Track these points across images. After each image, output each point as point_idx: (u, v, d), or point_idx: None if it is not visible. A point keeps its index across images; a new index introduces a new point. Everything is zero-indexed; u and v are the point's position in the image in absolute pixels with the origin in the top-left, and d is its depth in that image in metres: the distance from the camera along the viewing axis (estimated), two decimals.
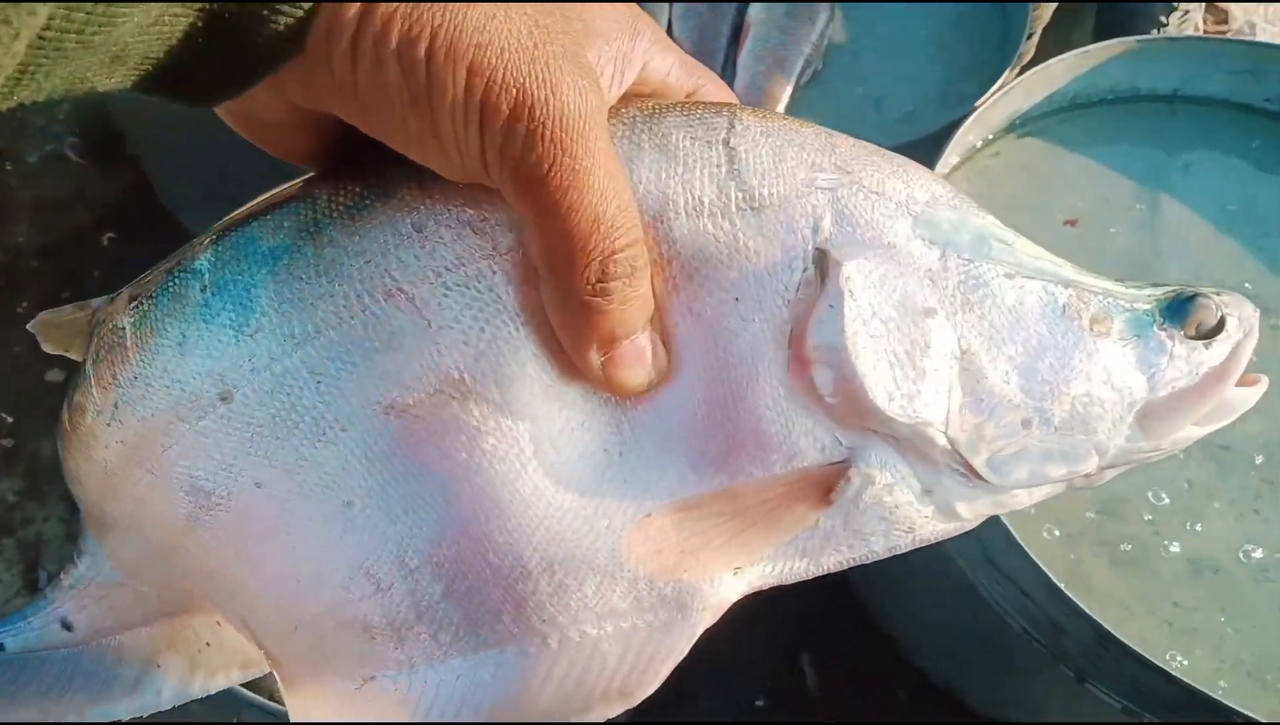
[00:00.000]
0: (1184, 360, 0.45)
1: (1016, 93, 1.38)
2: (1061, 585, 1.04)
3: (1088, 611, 1.02)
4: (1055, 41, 2.01)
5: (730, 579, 0.42)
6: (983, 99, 1.35)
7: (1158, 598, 1.12)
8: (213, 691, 0.48)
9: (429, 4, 0.33)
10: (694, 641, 0.42)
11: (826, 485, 0.42)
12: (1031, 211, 1.36)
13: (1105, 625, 1.01)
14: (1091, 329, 0.44)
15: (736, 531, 0.41)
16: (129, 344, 0.42)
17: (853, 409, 0.41)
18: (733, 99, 0.46)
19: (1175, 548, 1.14)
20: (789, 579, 0.43)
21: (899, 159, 0.45)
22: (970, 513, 0.44)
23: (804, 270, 0.41)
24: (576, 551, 0.41)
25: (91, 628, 0.47)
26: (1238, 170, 1.42)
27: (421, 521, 0.41)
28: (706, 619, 0.43)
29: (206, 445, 0.41)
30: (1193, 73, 1.46)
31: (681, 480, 0.41)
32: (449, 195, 0.40)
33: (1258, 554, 1.13)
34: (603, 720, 0.41)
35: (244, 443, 0.41)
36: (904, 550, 0.44)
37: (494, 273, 0.40)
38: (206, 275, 0.41)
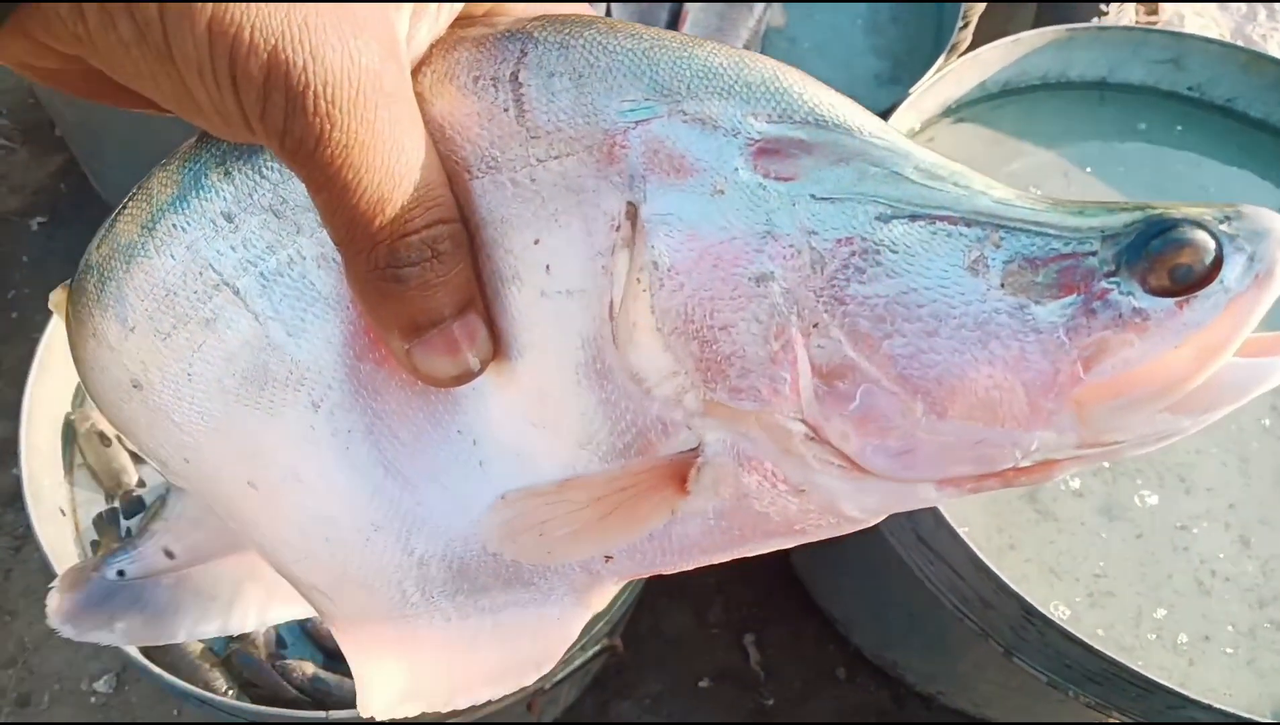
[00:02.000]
0: (1145, 326, 0.32)
1: (949, 80, 1.41)
2: (989, 562, 1.07)
3: (1013, 587, 1.05)
4: (992, 32, 2.05)
5: (603, 566, 0.39)
6: (916, 85, 1.37)
7: (1082, 570, 1.16)
8: (288, 619, 0.54)
9: None
10: (581, 623, 0.40)
11: (679, 475, 0.37)
12: None
13: (1030, 600, 1.05)
14: (1004, 285, 0.33)
15: (593, 519, 0.37)
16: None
17: (684, 393, 0.35)
18: (588, 11, 0.38)
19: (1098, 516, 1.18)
20: (670, 568, 0.39)
21: (746, 64, 0.35)
22: (858, 510, 0.37)
23: (617, 230, 0.34)
24: (442, 535, 0.40)
25: (189, 555, 0.52)
26: (1163, 154, 1.46)
27: (288, 517, 0.41)
28: (590, 602, 0.40)
29: (135, 430, 0.43)
30: (1119, 62, 1.50)
31: (535, 469, 0.38)
32: (249, 177, 0.37)
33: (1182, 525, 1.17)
34: (502, 694, 0.41)
35: (153, 426, 0.42)
36: (797, 544, 0.38)
37: (304, 258, 0.37)
38: (95, 273, 0.41)
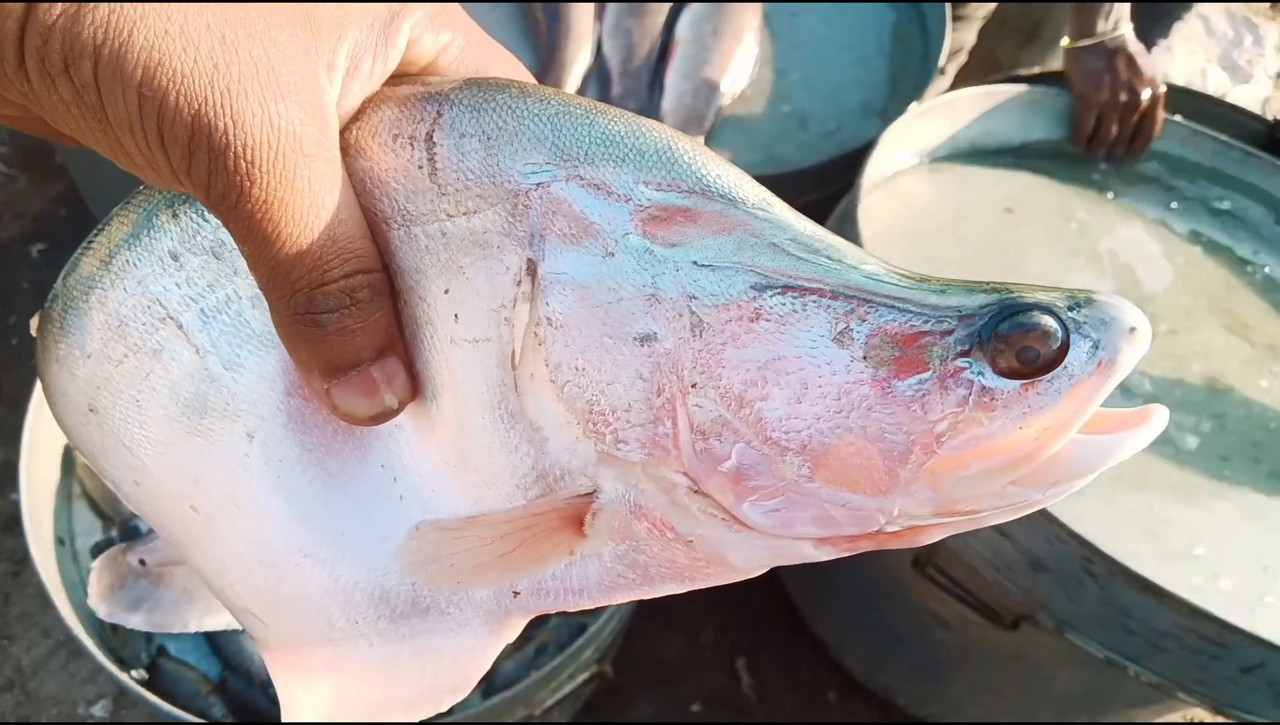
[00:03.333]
0: (993, 405, 0.34)
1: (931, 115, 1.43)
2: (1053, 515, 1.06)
3: (1076, 530, 1.04)
4: (982, 55, 2.08)
5: (511, 601, 0.41)
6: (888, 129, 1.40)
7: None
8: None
9: (94, 16, 0.30)
10: (494, 652, 0.43)
11: (576, 518, 0.39)
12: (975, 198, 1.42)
13: (1094, 543, 1.04)
14: (867, 358, 0.35)
15: (498, 553, 0.40)
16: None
17: (578, 442, 0.38)
18: (524, 76, 0.41)
19: None
20: (573, 607, 0.41)
21: (643, 132, 0.37)
22: (742, 560, 0.38)
23: (518, 284, 0.37)
24: (365, 563, 0.42)
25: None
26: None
27: (226, 540, 0.44)
28: (503, 633, 0.43)
29: (92, 453, 0.46)
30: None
31: (447, 504, 0.40)
32: (193, 220, 0.39)
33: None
34: (420, 718, 0.43)
35: (107, 449, 0.45)
36: (689, 590, 0.40)
37: (240, 297, 0.39)
38: (60, 301, 0.43)
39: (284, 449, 0.41)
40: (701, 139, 1.53)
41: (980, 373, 0.34)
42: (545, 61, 1.58)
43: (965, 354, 0.34)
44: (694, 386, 0.36)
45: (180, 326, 0.40)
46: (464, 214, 0.37)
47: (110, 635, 1.22)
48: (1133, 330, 0.34)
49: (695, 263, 0.36)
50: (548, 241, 0.36)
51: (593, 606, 0.41)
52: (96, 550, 1.28)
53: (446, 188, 0.37)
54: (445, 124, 0.37)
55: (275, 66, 0.32)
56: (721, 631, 1.77)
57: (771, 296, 0.36)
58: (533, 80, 0.40)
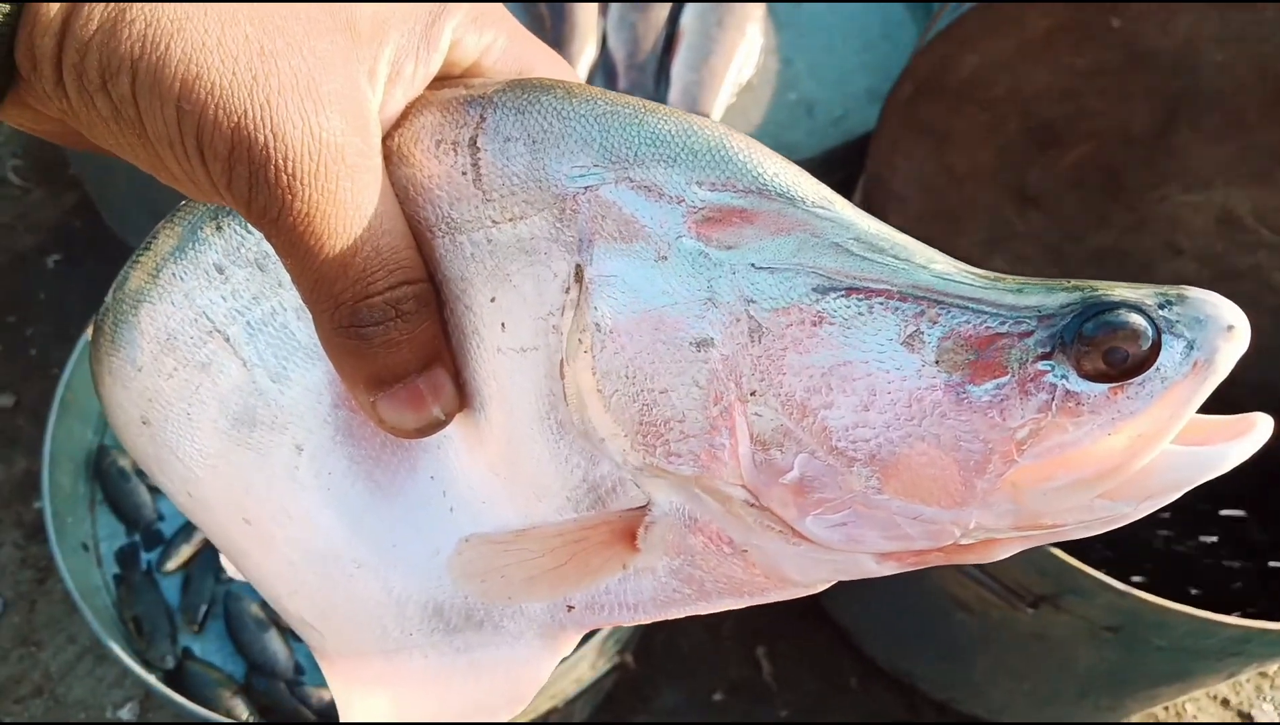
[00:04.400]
0: (1078, 411, 0.32)
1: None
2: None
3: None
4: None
5: (565, 615, 0.40)
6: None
7: None
8: None
9: (130, 30, 0.30)
10: (549, 666, 0.42)
11: (629, 532, 0.37)
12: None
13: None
14: (939, 362, 0.33)
15: (549, 566, 0.38)
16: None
17: (629, 454, 0.36)
18: (570, 76, 0.39)
19: None
20: (628, 621, 0.40)
21: (694, 131, 0.35)
22: (801, 575, 0.37)
23: (566, 291, 0.35)
24: (417, 576, 0.42)
25: None
26: None
27: (277, 553, 0.44)
28: (558, 648, 0.42)
29: (147, 463, 0.46)
30: None
31: (497, 516, 0.40)
32: (237, 232, 0.40)
33: None
34: None
35: (160, 461, 0.45)
36: (748, 605, 0.39)
37: (285, 309, 0.39)
38: (110, 315, 0.43)
39: (333, 461, 0.41)
40: None
41: (1064, 376, 0.32)
42: None
43: (1047, 357, 0.32)
44: (753, 394, 0.34)
45: (227, 339, 0.40)
46: (510, 220, 0.36)
47: (135, 638, 1.23)
48: (1230, 328, 0.31)
49: (753, 265, 0.34)
50: (596, 246, 0.35)
51: (648, 621, 0.40)
52: (120, 555, 1.29)
53: (491, 193, 0.36)
54: (489, 128, 0.36)
55: (315, 76, 0.32)
56: (741, 620, 1.77)
57: (835, 299, 0.34)
58: (579, 79, 0.39)
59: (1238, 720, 1.69)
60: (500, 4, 0.39)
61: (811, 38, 1.68)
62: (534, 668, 0.42)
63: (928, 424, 0.33)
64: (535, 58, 0.40)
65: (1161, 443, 0.32)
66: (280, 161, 0.31)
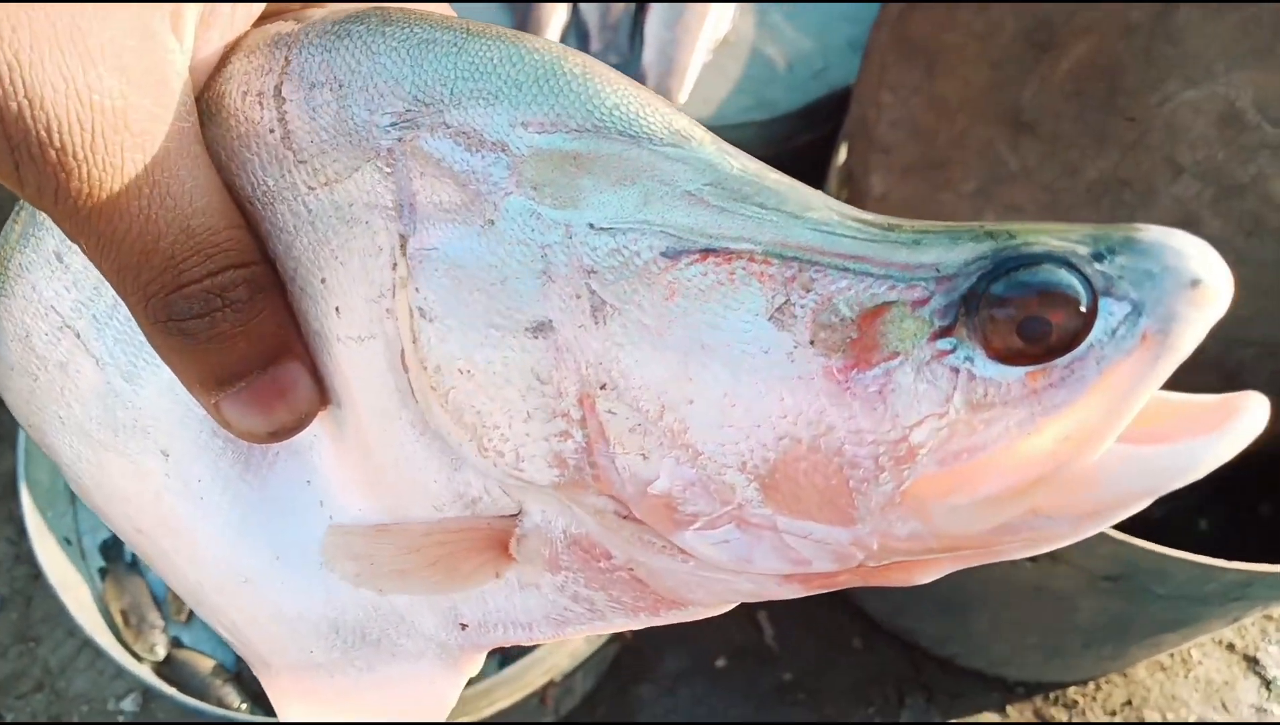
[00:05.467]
0: (986, 404, 0.24)
1: None
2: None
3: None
4: None
5: (460, 634, 0.36)
6: None
7: None
8: None
9: None
10: (454, 686, 0.39)
11: (500, 541, 0.32)
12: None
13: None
14: (815, 342, 0.26)
15: (419, 564, 0.33)
16: None
17: (477, 458, 0.31)
18: (442, 8, 0.33)
19: None
20: (525, 640, 0.35)
21: (521, 54, 0.29)
22: (696, 595, 0.31)
23: (394, 267, 0.29)
24: (305, 592, 0.37)
25: None
26: None
27: (155, 552, 0.40)
28: (461, 668, 0.38)
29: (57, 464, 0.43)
30: None
31: (364, 517, 0.35)
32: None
33: None
34: None
35: (59, 465, 0.41)
36: (665, 623, 0.33)
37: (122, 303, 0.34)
38: None
39: (199, 468, 0.36)
40: (683, 91, 1.49)
41: (969, 358, 0.25)
42: (521, 20, 1.54)
43: (947, 332, 0.25)
44: (603, 388, 0.28)
45: (78, 335, 0.36)
46: (325, 184, 0.30)
47: (125, 629, 1.22)
48: (1196, 284, 0.23)
49: (591, 225, 0.28)
50: (418, 211, 0.29)
51: (547, 641, 0.36)
52: (104, 548, 1.28)
53: (302, 153, 0.30)
54: (294, 73, 0.29)
55: (81, 25, 0.25)
56: None
57: (688, 264, 0.27)
58: (447, 10, 0.33)
59: (1244, 664, 1.68)
60: None
61: None
62: (439, 687, 0.38)
63: (804, 423, 0.26)
64: None
65: (1100, 444, 0.24)
66: (42, 134, 0.26)
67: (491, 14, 1.57)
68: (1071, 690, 1.63)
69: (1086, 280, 0.24)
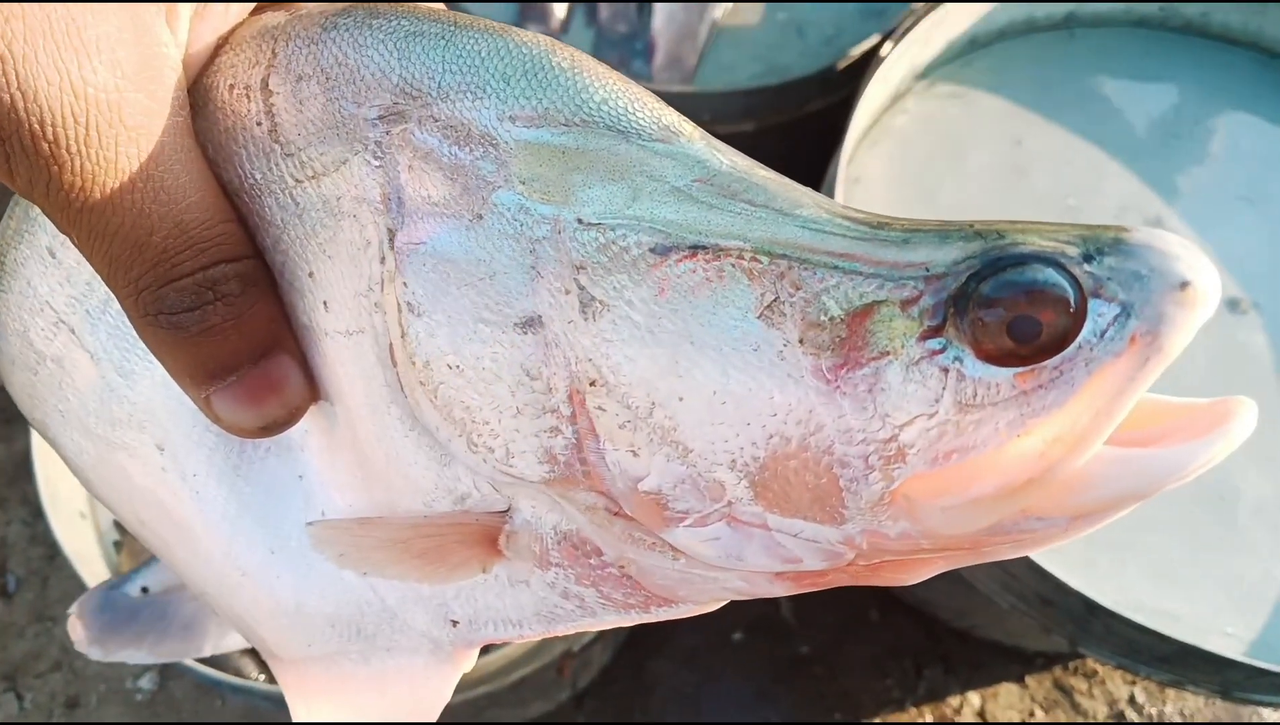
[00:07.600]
0: (975, 406, 0.25)
1: (915, 41, 1.36)
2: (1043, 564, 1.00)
3: (1072, 585, 0.99)
4: None
5: (451, 631, 0.36)
6: (884, 49, 1.33)
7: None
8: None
9: None
10: (449, 680, 0.38)
11: (488, 537, 0.33)
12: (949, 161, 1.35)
13: (1091, 596, 0.98)
14: (805, 341, 0.26)
15: (408, 556, 0.33)
16: None
17: (467, 454, 0.31)
18: None
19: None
20: (515, 638, 0.36)
21: (510, 46, 0.29)
22: (689, 593, 0.31)
23: (382, 261, 0.30)
24: (303, 585, 0.37)
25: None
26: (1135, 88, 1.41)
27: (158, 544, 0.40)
28: (456, 662, 0.38)
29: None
30: None
31: (356, 512, 0.35)
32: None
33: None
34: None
35: (63, 458, 0.41)
36: (656, 620, 0.33)
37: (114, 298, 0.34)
38: None
39: (193, 463, 0.36)
40: (695, 58, 1.47)
41: (958, 358, 0.25)
42: None
43: (936, 331, 0.25)
44: (593, 384, 0.28)
45: (72, 331, 0.36)
46: (312, 177, 0.30)
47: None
48: (1184, 286, 0.23)
49: (580, 221, 0.28)
50: (406, 205, 0.29)
51: (538, 638, 0.35)
52: (118, 522, 1.28)
53: (289, 146, 0.30)
54: (280, 65, 0.30)
55: (76, 19, 0.25)
56: None
57: (677, 261, 0.27)
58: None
59: None
60: None
61: None
62: (433, 680, 0.38)
63: (794, 421, 0.26)
64: None
65: (1090, 445, 0.24)
66: (35, 127, 0.25)
67: (494, 10, 1.55)
68: (1090, 660, 1.62)
69: (1075, 281, 0.24)
